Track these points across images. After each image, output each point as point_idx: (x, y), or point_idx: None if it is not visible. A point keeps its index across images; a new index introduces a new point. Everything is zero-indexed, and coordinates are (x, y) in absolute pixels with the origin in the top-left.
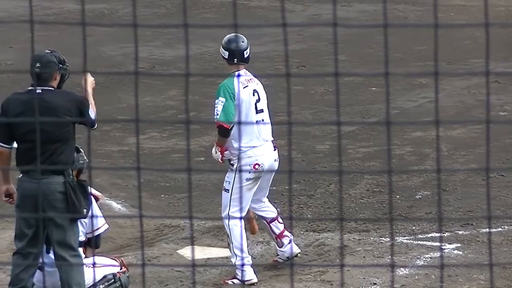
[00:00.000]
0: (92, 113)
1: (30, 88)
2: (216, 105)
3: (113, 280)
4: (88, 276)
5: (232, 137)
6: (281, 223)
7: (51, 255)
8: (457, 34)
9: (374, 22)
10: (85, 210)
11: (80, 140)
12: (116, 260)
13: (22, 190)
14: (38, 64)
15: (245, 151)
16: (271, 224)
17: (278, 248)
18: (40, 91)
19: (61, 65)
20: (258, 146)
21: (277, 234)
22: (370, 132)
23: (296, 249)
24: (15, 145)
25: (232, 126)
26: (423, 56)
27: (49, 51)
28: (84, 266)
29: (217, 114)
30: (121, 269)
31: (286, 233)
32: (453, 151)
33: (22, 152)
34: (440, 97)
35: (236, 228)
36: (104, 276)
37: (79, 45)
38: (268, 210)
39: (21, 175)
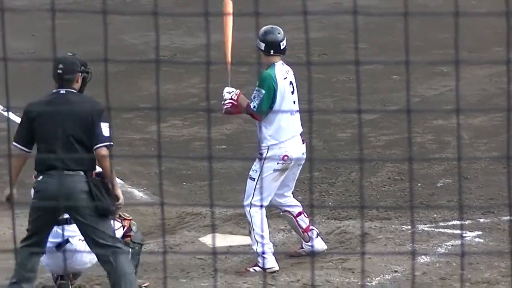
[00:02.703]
0: (107, 130)
1: (54, 91)
2: (254, 94)
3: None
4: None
5: (264, 127)
6: (307, 217)
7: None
8: (478, 23)
9: (394, 10)
10: (111, 206)
11: None
12: (118, 221)
13: (43, 191)
14: (61, 66)
15: (277, 142)
16: (297, 219)
17: (305, 242)
18: (64, 92)
19: (83, 68)
20: (290, 138)
21: (304, 228)
22: (391, 120)
23: (323, 246)
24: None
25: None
26: (444, 45)
27: (71, 54)
28: (80, 240)
29: (254, 105)
30: (125, 230)
31: (312, 227)
32: (475, 139)
33: (42, 152)
34: (461, 85)
35: (257, 216)
36: None
37: (100, 33)
38: (294, 204)
39: (40, 177)
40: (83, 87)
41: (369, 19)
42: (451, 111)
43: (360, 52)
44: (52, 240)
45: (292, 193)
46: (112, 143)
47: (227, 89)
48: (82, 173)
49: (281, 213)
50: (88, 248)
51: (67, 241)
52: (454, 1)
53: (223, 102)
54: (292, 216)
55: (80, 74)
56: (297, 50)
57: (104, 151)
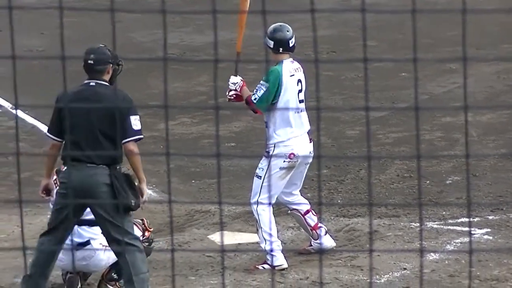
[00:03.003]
0: (136, 124)
1: (84, 82)
2: (259, 87)
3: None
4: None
5: (271, 124)
6: (315, 215)
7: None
8: (486, 20)
9: (403, 7)
10: (133, 201)
11: None
12: (138, 227)
13: (67, 183)
14: (92, 56)
15: (283, 140)
16: (305, 217)
17: (313, 240)
18: (94, 84)
19: (114, 60)
20: (297, 136)
21: (312, 226)
22: (400, 118)
23: (332, 243)
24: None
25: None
26: (452, 42)
27: (103, 45)
28: (100, 244)
29: (256, 97)
30: (143, 236)
31: (320, 224)
32: (483, 136)
33: (69, 142)
34: (469, 83)
35: (265, 214)
36: None
37: (109, 31)
38: (301, 202)
39: (65, 168)
40: (114, 79)
41: (377, 17)
42: (459, 108)
43: (369, 49)
44: (74, 239)
45: (299, 191)
46: (142, 136)
47: (232, 79)
48: (105, 166)
49: (289, 212)
50: (107, 253)
51: (88, 242)
52: None
53: (227, 93)
54: (300, 214)
55: (111, 65)
56: (305, 47)
57: (132, 146)
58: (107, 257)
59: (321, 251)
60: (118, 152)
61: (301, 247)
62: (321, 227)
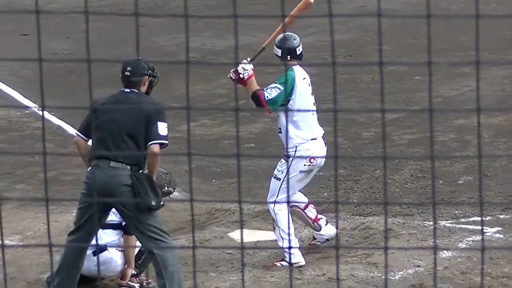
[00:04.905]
0: (164, 130)
1: (121, 89)
2: (272, 86)
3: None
4: (121, 260)
5: (291, 128)
6: (314, 208)
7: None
8: (498, 25)
9: (417, 13)
10: (153, 202)
11: None
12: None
13: (90, 183)
14: (129, 68)
15: (303, 141)
16: (305, 211)
17: (316, 232)
18: (128, 91)
19: (150, 72)
20: (316, 139)
21: (313, 218)
22: (414, 120)
23: (333, 230)
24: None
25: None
26: (465, 46)
27: (139, 58)
28: (117, 249)
29: (268, 95)
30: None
31: (320, 216)
32: (494, 138)
33: (96, 141)
34: (482, 86)
35: (281, 213)
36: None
37: (133, 35)
38: (300, 198)
39: (89, 168)
40: (150, 90)
41: (392, 22)
42: (472, 111)
43: (384, 53)
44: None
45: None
46: (167, 142)
47: (245, 65)
48: (128, 166)
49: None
50: (123, 258)
51: (104, 248)
52: (475, 4)
53: (232, 71)
54: (300, 209)
55: (147, 77)
56: (322, 51)
57: (156, 149)
58: (123, 262)
59: (327, 241)
60: (142, 153)
61: (306, 244)
62: (321, 218)
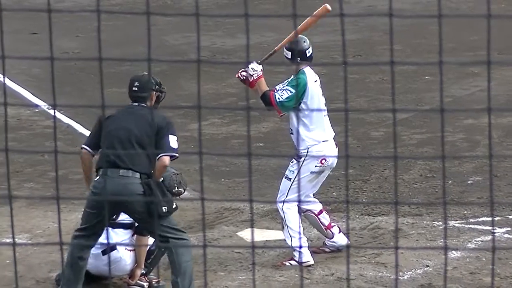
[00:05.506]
0: (174, 143)
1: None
2: (284, 88)
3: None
4: (131, 259)
5: (303, 129)
6: (328, 214)
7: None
8: (508, 25)
9: (427, 13)
10: (164, 208)
11: None
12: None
13: (98, 192)
14: (136, 84)
15: (316, 143)
16: (319, 216)
17: (328, 239)
18: (137, 105)
19: (157, 87)
20: (327, 140)
21: (326, 225)
22: (424, 119)
23: (345, 240)
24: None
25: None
26: (475, 46)
27: (146, 74)
28: (126, 249)
29: (279, 97)
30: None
31: (333, 224)
32: (504, 138)
33: (106, 148)
34: (492, 86)
35: (290, 212)
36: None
37: (144, 34)
38: (315, 203)
39: (97, 177)
40: (157, 105)
41: (402, 21)
42: (481, 110)
43: (394, 53)
44: (100, 242)
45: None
46: (177, 155)
47: (254, 65)
48: (137, 174)
49: (302, 213)
50: (132, 257)
51: (113, 248)
52: (486, 3)
53: (240, 71)
54: (314, 215)
55: (154, 92)
56: (332, 51)
57: (167, 161)
58: (132, 261)
59: (337, 250)
60: (149, 163)
61: (313, 248)
62: (334, 226)
